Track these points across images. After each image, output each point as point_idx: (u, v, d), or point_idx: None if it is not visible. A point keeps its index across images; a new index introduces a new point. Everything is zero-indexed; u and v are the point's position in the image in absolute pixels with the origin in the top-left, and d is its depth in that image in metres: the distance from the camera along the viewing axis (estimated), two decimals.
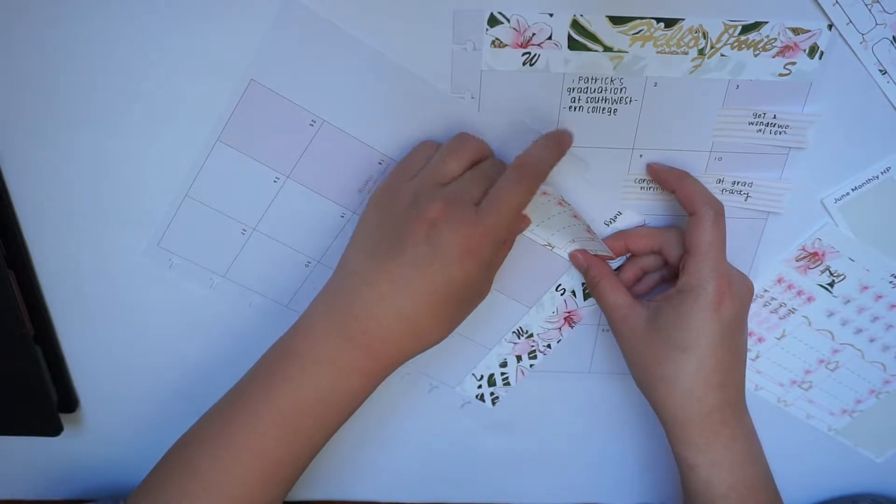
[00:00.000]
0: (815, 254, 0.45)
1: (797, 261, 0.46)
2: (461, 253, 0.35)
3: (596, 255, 0.45)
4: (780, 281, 0.47)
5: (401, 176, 0.39)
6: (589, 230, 0.43)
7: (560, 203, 0.42)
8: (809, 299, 0.47)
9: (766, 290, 0.47)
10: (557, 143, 0.39)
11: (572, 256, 0.46)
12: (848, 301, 0.47)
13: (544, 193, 0.42)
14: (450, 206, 0.35)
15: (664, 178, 0.42)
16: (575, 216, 0.42)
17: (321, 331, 0.37)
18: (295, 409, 0.37)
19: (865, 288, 0.46)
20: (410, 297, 0.36)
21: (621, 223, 0.44)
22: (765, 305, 0.48)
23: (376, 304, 0.36)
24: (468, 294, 0.38)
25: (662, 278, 0.45)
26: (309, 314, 0.39)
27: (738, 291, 0.40)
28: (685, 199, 0.41)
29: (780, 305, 0.48)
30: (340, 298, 0.38)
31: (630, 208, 0.44)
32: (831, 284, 0.46)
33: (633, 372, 0.43)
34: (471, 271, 0.36)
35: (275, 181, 0.42)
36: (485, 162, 0.39)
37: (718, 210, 0.40)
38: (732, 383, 0.41)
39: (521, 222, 0.43)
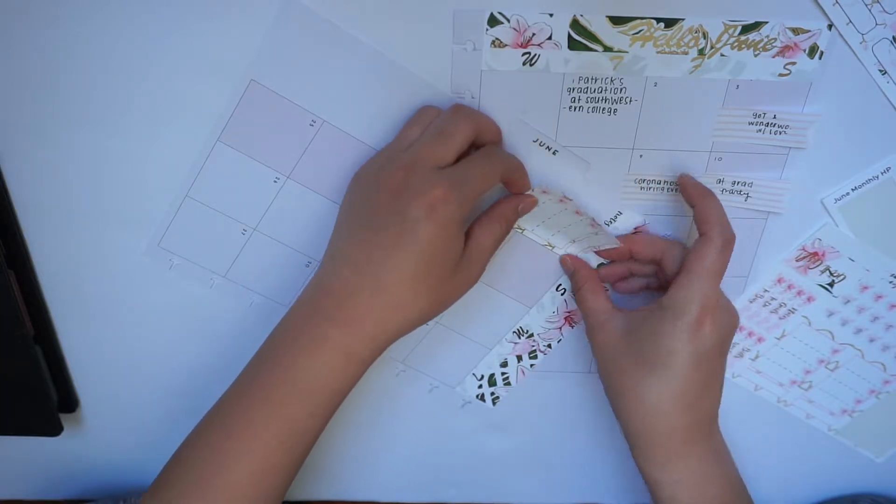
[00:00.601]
0: (815, 254, 0.45)
1: (797, 261, 0.46)
2: (424, 211, 0.35)
3: (583, 260, 0.45)
4: (780, 281, 0.47)
5: (372, 159, 0.40)
6: (593, 223, 0.43)
7: (562, 200, 0.42)
8: (809, 299, 0.47)
9: (766, 290, 0.47)
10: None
11: (562, 260, 0.46)
12: (848, 301, 0.47)
13: (544, 192, 0.42)
14: (409, 171, 0.36)
15: (689, 191, 0.41)
16: (577, 212, 0.42)
17: (302, 313, 0.38)
18: (281, 395, 0.37)
19: (865, 288, 0.46)
20: (384, 267, 0.36)
21: (621, 223, 0.44)
22: (765, 305, 0.48)
23: (352, 278, 0.36)
24: (441, 258, 0.37)
25: (648, 285, 0.45)
26: (295, 302, 0.39)
27: (722, 322, 0.39)
28: (700, 217, 0.40)
29: (780, 305, 0.48)
30: (319, 280, 0.38)
31: (630, 208, 0.44)
32: (831, 284, 0.46)
33: (603, 381, 0.43)
34: (435, 229, 0.35)
35: (275, 181, 0.42)
36: (441, 117, 0.39)
37: (728, 239, 0.39)
38: (702, 407, 0.40)
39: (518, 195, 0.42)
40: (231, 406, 0.38)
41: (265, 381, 0.37)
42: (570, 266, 0.45)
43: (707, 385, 0.40)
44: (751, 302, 0.47)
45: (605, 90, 0.39)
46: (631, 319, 0.42)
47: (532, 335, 0.49)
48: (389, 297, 0.36)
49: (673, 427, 0.40)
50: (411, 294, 0.36)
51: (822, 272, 0.46)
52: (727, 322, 0.40)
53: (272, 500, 0.38)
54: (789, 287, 0.47)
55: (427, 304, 0.37)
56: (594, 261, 0.46)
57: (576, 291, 0.45)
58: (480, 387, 0.51)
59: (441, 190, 0.35)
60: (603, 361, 0.43)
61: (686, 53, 0.38)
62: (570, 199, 0.42)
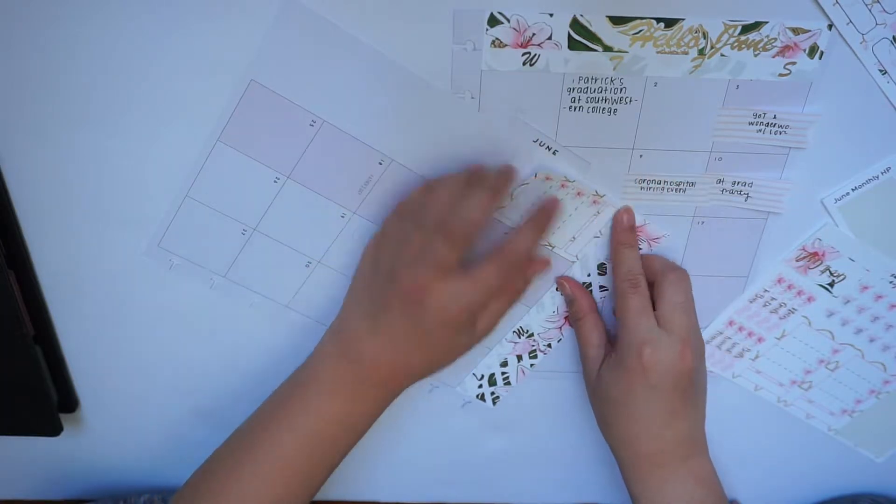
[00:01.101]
0: (815, 254, 0.45)
1: (797, 261, 0.46)
2: (441, 321, 0.39)
3: (583, 288, 0.46)
4: (780, 281, 0.47)
5: (394, 219, 0.42)
6: (596, 199, 0.43)
7: (563, 185, 0.42)
8: (809, 299, 0.47)
9: (766, 290, 0.47)
10: (544, 218, 0.42)
11: (559, 284, 0.47)
12: (848, 301, 0.47)
13: (548, 178, 0.42)
14: (427, 276, 0.38)
15: (614, 235, 0.44)
16: (579, 192, 0.42)
17: (335, 371, 0.41)
18: (313, 432, 0.41)
19: (865, 288, 0.46)
20: (406, 347, 0.40)
21: None
22: (765, 305, 0.48)
23: (380, 352, 0.41)
24: (454, 348, 0.42)
25: None
26: (321, 356, 0.43)
27: (664, 357, 0.41)
28: (613, 267, 0.45)
29: (780, 305, 0.48)
30: (347, 345, 0.41)
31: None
32: (831, 284, 0.46)
33: (591, 405, 0.47)
34: (452, 333, 0.40)
35: (275, 181, 0.42)
36: (461, 204, 0.39)
37: (632, 281, 0.43)
38: (669, 436, 0.43)
39: (531, 268, 0.44)
40: (255, 432, 0.42)
41: (297, 420, 0.41)
42: (569, 293, 0.47)
43: (673, 414, 0.42)
44: (751, 302, 0.47)
45: (605, 90, 0.39)
46: (610, 356, 0.45)
47: (532, 335, 0.49)
48: (415, 361, 0.41)
49: (639, 454, 0.44)
50: (427, 366, 0.42)
51: (823, 272, 0.46)
52: (669, 355, 0.42)
53: None
54: (789, 287, 0.47)
55: (443, 367, 0.43)
56: (593, 261, 0.46)
57: (574, 321, 0.47)
58: (480, 386, 0.51)
59: (458, 308, 0.39)
60: (589, 390, 0.47)
61: (686, 53, 0.38)
62: (573, 181, 0.42)
